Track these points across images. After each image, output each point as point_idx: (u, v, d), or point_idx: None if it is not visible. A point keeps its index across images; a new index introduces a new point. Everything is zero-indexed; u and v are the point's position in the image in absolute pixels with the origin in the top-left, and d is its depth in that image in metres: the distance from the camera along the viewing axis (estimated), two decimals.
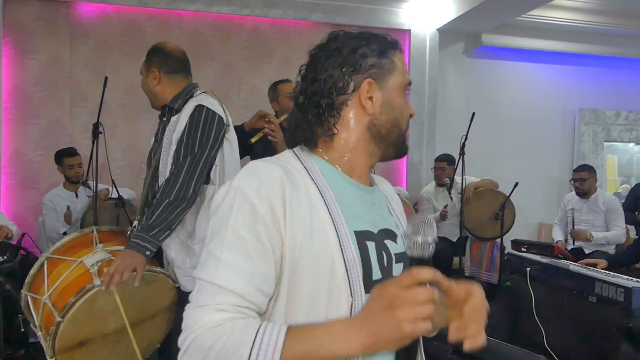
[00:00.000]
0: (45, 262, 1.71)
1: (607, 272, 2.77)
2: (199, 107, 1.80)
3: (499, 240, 3.93)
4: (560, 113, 5.36)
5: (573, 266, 2.73)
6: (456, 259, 4.00)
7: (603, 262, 3.29)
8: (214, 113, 1.82)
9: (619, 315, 2.25)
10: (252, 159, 2.76)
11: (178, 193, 1.70)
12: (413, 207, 4.20)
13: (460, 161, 3.65)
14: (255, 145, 2.62)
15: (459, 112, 4.77)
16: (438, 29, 4.66)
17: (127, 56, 4.16)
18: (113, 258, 1.64)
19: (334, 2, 4.42)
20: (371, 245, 0.90)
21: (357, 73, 0.93)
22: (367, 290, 0.85)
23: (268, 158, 0.94)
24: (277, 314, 0.86)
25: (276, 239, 0.83)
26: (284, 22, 4.47)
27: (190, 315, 0.80)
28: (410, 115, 1.00)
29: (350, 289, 0.84)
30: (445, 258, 3.97)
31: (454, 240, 4.10)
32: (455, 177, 3.83)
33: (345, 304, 0.84)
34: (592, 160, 5.28)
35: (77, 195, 3.63)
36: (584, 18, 4.81)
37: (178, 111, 1.87)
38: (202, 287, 0.82)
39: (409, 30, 4.67)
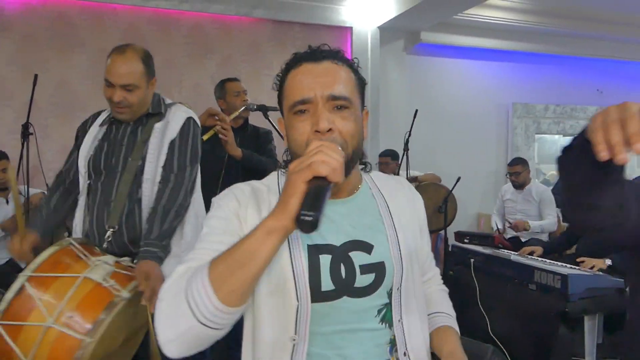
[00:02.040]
0: (27, 284, 1.41)
1: (545, 260, 2.94)
2: (193, 120, 1.87)
3: (442, 232, 4.07)
4: (495, 107, 5.61)
5: (514, 256, 2.87)
6: None
7: (539, 249, 3.49)
8: (199, 126, 1.92)
9: (557, 301, 2.39)
10: (202, 157, 2.69)
11: (183, 201, 1.75)
12: None
13: (405, 156, 3.73)
14: (203, 144, 2.55)
15: (401, 108, 4.88)
16: (379, 27, 4.73)
17: (58, 52, 3.92)
18: (116, 270, 1.52)
19: None
20: (326, 258, 0.97)
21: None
22: (314, 300, 0.94)
23: (251, 181, 1.08)
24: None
25: (236, 235, 0.93)
26: (225, 18, 4.37)
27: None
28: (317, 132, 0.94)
29: (297, 294, 0.93)
30: None
31: None
32: (399, 172, 3.92)
33: (292, 306, 0.94)
34: (524, 152, 5.58)
35: (7, 202, 3.39)
36: (516, 17, 5.05)
37: (157, 116, 1.82)
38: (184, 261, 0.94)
39: (350, 28, 4.71)
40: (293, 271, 0.94)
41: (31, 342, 1.36)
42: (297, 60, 1.00)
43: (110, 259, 1.57)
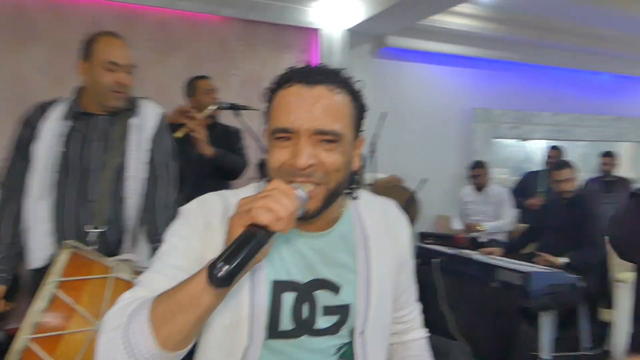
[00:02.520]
0: (58, 290, 1.31)
1: (504, 259, 3.05)
2: (164, 115, 1.87)
3: None
4: (457, 112, 5.77)
5: (475, 255, 2.97)
6: None
7: (498, 251, 3.62)
8: None
9: (518, 297, 2.49)
10: None
11: (174, 196, 1.79)
12: None
13: (371, 159, 3.79)
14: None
15: (367, 111, 4.93)
16: (347, 30, 4.79)
17: (12, 45, 3.76)
18: (135, 268, 1.49)
19: None
20: (289, 296, 0.92)
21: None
22: (270, 337, 0.91)
23: (224, 191, 0.98)
24: None
25: (197, 261, 0.88)
26: (192, 15, 4.31)
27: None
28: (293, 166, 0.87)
29: (250, 333, 0.88)
30: None
31: None
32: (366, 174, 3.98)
33: (240, 345, 0.88)
34: (482, 156, 5.76)
35: None
36: (478, 24, 5.22)
37: (130, 111, 1.78)
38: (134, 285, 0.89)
39: (319, 30, 4.74)
40: (251, 309, 0.89)
41: (74, 351, 1.25)
42: (288, 79, 0.91)
43: (114, 259, 1.51)
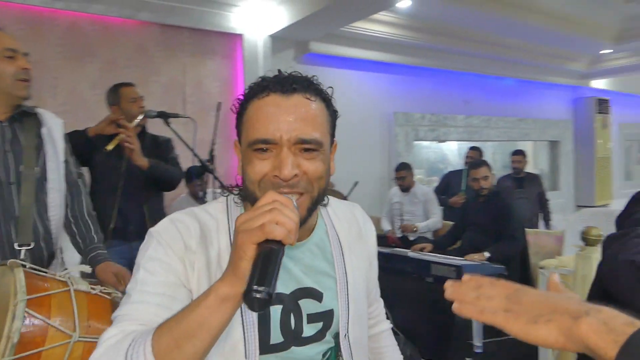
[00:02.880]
0: (28, 309, 1.26)
1: (437, 255, 3.18)
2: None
3: None
4: (379, 116, 5.96)
5: (411, 253, 3.07)
6: None
7: (429, 246, 3.77)
8: None
9: None
10: (96, 168, 2.48)
11: (92, 206, 1.82)
12: None
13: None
14: (98, 155, 2.36)
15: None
16: (270, 35, 4.78)
17: None
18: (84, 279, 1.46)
19: (163, 2, 4.18)
20: (276, 310, 0.92)
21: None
22: (262, 352, 0.90)
23: (193, 209, 0.95)
24: None
25: (181, 285, 0.86)
26: (107, 19, 4.08)
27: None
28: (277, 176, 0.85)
29: (245, 351, 0.87)
30: None
31: None
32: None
33: None
34: (405, 158, 5.99)
35: None
36: (397, 32, 5.44)
37: (33, 118, 1.68)
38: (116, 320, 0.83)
39: (241, 35, 4.69)
40: (243, 328, 0.88)
41: None
42: (263, 89, 0.88)
43: (63, 273, 1.45)
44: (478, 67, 6.58)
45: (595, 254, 2.19)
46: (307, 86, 0.90)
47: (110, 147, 2.17)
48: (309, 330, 0.95)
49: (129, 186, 2.42)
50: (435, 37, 5.68)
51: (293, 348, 0.93)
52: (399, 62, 5.81)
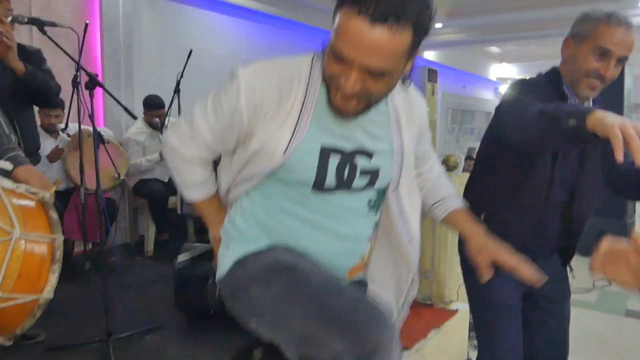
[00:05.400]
0: None
1: None
2: None
3: None
4: (243, 62, 5.92)
5: None
6: (172, 199, 4.07)
7: None
8: None
9: None
10: None
11: None
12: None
13: (177, 100, 3.68)
14: None
15: (154, 52, 4.71)
16: None
17: None
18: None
19: None
20: (334, 159, 1.07)
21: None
22: (314, 190, 1.08)
23: (283, 59, 1.09)
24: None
25: (243, 125, 1.07)
26: None
27: (173, 137, 1.19)
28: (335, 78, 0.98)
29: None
30: (160, 198, 3.98)
31: (166, 180, 4.15)
32: (167, 118, 3.85)
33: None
34: None
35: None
36: None
37: None
38: (185, 122, 1.17)
39: None
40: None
41: None
42: (355, 3, 0.87)
43: None
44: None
45: (454, 177, 2.64)
46: (398, 17, 0.87)
47: None
48: (358, 182, 1.11)
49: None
50: None
51: (343, 192, 1.10)
52: (260, 10, 5.81)
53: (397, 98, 1.16)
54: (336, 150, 1.07)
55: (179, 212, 4.03)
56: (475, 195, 1.45)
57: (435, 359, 2.37)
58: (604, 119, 0.96)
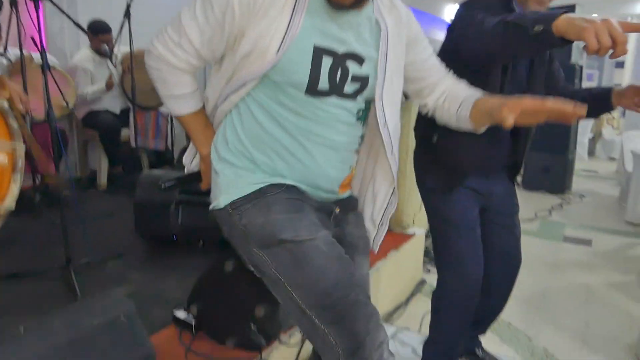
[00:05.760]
0: None
1: None
2: None
3: (162, 108, 4.06)
4: None
5: None
6: (125, 131, 3.92)
7: None
8: None
9: None
10: None
11: None
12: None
13: (126, 27, 3.45)
14: None
15: None
16: None
17: None
18: None
19: None
20: (327, 60, 1.06)
21: None
22: (307, 93, 1.07)
23: None
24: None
25: (234, 24, 1.03)
26: None
27: (159, 44, 1.10)
28: None
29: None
30: (112, 130, 3.84)
31: (117, 112, 3.98)
32: (116, 45, 3.62)
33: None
34: None
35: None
36: None
37: None
38: (171, 27, 1.09)
39: None
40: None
41: None
42: None
43: None
44: None
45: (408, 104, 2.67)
46: None
47: None
48: (349, 88, 1.12)
49: None
50: None
51: (334, 97, 1.10)
52: None
53: (382, 6, 1.17)
54: (329, 52, 1.06)
55: (133, 145, 3.91)
56: (428, 119, 1.47)
57: (393, 277, 2.49)
58: (573, 21, 0.99)
